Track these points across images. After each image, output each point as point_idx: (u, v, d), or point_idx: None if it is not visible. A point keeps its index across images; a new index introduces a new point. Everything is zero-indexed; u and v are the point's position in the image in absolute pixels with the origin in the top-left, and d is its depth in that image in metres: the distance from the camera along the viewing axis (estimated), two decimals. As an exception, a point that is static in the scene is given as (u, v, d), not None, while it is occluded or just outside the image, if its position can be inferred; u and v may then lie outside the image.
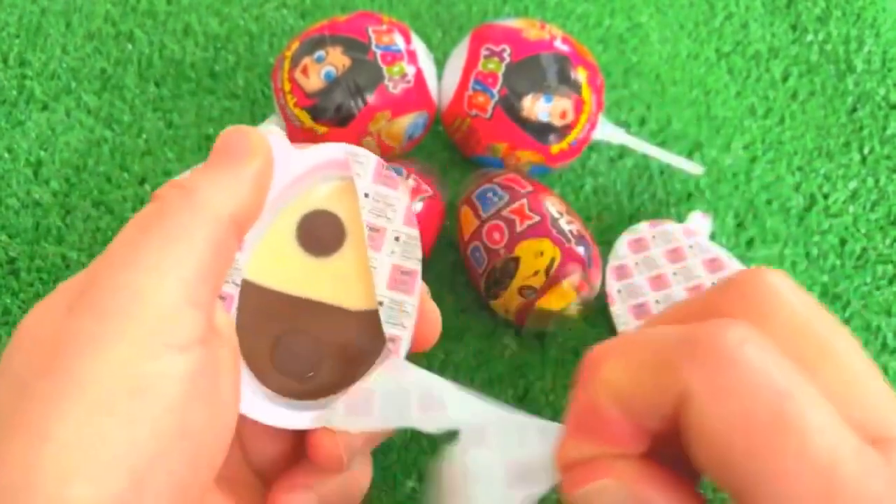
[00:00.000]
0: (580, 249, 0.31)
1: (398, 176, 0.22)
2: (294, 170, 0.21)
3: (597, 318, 0.35)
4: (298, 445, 0.21)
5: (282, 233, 0.21)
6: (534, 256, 0.30)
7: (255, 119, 0.39)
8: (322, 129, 0.33)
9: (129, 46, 0.41)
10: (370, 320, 0.21)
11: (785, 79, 0.42)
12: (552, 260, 0.30)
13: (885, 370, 0.35)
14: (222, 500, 0.19)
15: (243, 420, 0.20)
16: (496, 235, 0.31)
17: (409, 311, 0.21)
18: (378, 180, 0.21)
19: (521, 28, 0.34)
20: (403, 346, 0.21)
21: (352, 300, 0.21)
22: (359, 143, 0.34)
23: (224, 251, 0.18)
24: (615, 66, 0.42)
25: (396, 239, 0.21)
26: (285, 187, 0.21)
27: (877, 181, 0.39)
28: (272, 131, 0.20)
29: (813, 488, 0.12)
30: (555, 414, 0.33)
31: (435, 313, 0.22)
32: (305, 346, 0.21)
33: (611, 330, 0.35)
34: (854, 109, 0.41)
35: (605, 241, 0.37)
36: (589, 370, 0.16)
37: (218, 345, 0.18)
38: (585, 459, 0.16)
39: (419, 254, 0.22)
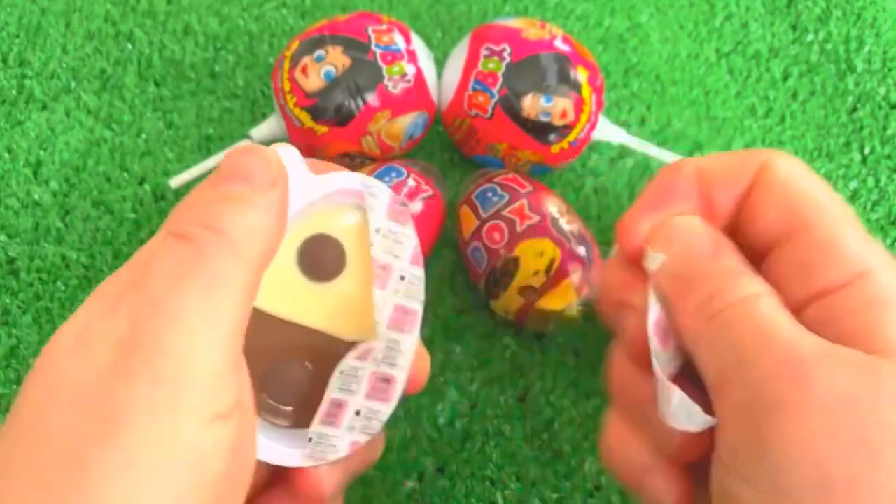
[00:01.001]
0: (580, 249, 0.31)
1: (409, 212, 0.21)
2: (308, 195, 0.20)
3: (597, 318, 0.35)
4: (275, 472, 0.21)
5: (283, 255, 0.20)
6: (534, 256, 0.30)
7: (256, 119, 0.39)
8: (322, 129, 0.33)
9: (129, 46, 0.41)
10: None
11: (785, 79, 0.42)
12: (552, 260, 0.30)
13: (886, 370, 0.35)
14: None
15: None
16: (496, 235, 0.31)
17: (406, 352, 0.20)
18: (391, 216, 0.21)
19: (521, 28, 0.34)
20: (398, 387, 0.20)
21: (346, 329, 0.21)
22: (359, 143, 0.34)
23: (254, 295, 0.17)
24: (615, 66, 0.42)
25: (402, 278, 0.21)
26: (296, 212, 0.20)
27: (877, 181, 0.39)
28: (289, 152, 0.19)
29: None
30: (555, 413, 0.33)
31: (425, 356, 0.22)
32: (297, 374, 0.20)
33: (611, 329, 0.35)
34: (854, 109, 0.41)
35: (605, 241, 0.37)
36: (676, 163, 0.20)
37: (248, 400, 0.17)
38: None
39: (423, 295, 0.21)
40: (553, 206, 0.32)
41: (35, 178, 0.37)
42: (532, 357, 0.34)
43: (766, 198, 0.18)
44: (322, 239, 0.21)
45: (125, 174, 0.37)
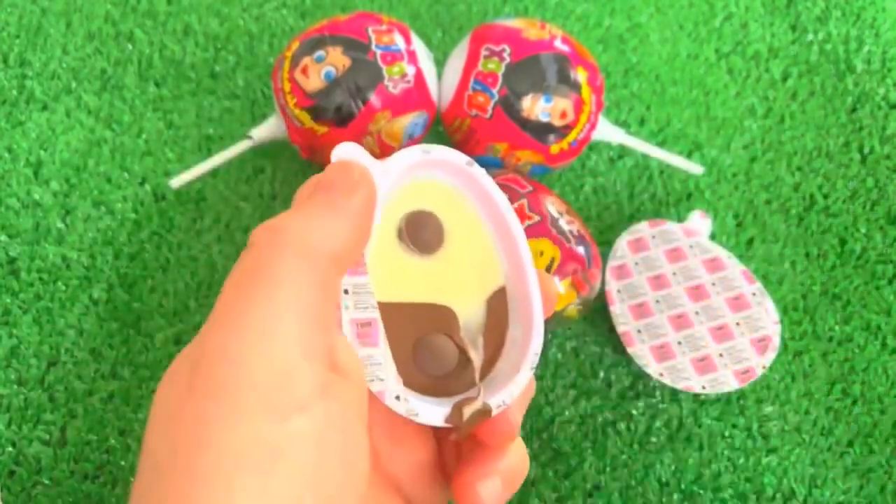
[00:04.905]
0: (580, 249, 0.31)
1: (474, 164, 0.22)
2: (385, 182, 0.20)
3: (597, 318, 0.35)
4: (435, 454, 0.22)
5: (386, 243, 0.21)
6: (534, 256, 0.30)
7: (255, 119, 0.39)
8: (322, 130, 0.33)
9: (130, 46, 0.41)
10: (494, 305, 0.22)
11: (785, 79, 0.42)
12: (552, 260, 0.30)
13: (885, 370, 0.35)
14: None
15: (383, 432, 0.20)
16: (496, 235, 0.31)
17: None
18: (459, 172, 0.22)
19: (521, 28, 0.34)
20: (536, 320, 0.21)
21: (458, 299, 0.21)
22: (359, 143, 0.34)
23: (328, 289, 0.18)
24: (615, 66, 0.42)
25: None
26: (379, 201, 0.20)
27: (876, 181, 0.39)
28: (350, 148, 0.20)
29: None
30: (554, 413, 0.33)
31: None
32: (438, 344, 0.21)
33: (611, 330, 0.35)
34: (854, 109, 0.41)
35: (605, 241, 0.37)
36: None
37: (343, 388, 0.18)
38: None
39: None
40: (552, 206, 0.32)
41: (35, 178, 0.37)
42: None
43: None
44: (415, 216, 0.21)
45: (125, 174, 0.37)
